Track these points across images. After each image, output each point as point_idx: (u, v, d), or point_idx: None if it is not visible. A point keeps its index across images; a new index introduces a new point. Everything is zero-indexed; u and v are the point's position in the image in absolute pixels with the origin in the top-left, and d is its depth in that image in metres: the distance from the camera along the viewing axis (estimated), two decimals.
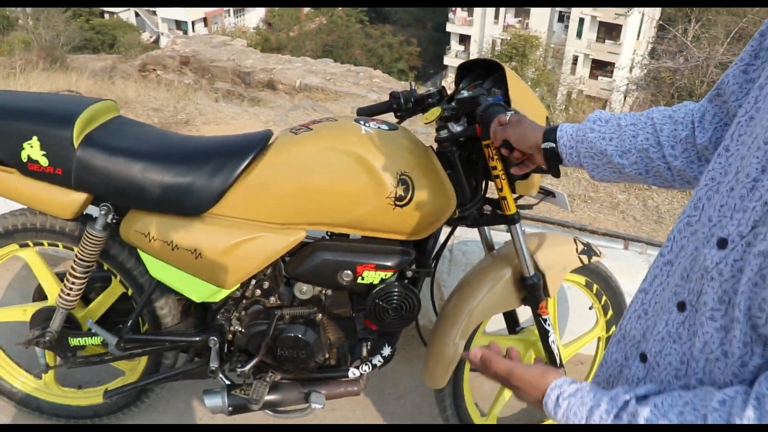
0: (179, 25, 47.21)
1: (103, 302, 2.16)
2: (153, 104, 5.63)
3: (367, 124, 1.94)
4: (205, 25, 47.45)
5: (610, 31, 36.55)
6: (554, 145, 1.41)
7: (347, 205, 1.85)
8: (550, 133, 1.43)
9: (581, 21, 38.62)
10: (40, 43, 26.74)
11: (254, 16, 52.29)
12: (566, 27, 39.39)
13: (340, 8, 52.11)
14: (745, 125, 0.93)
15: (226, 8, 48.72)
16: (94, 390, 2.39)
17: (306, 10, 55.52)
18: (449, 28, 44.21)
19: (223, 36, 15.49)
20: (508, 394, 2.31)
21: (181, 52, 12.82)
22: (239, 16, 51.13)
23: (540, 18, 39.30)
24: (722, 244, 0.88)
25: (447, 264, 2.75)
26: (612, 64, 35.20)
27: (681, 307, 0.95)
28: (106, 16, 48.62)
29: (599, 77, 35.51)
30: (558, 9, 39.97)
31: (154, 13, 49.53)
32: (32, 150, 1.83)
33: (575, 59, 36.11)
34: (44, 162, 1.84)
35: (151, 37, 47.73)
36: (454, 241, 2.75)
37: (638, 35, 35.28)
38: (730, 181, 0.90)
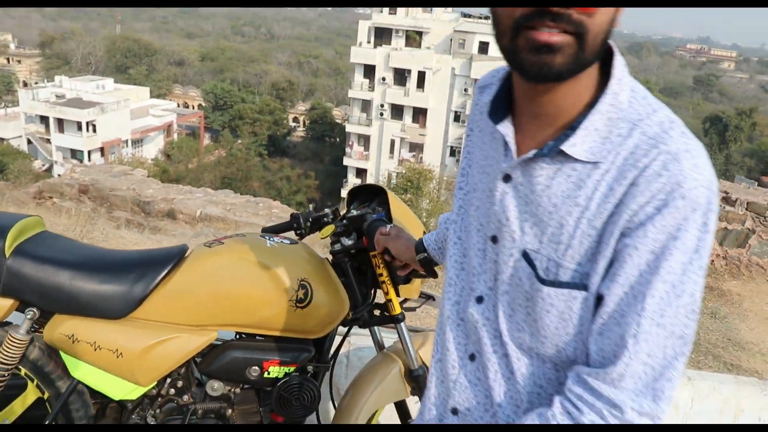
0: (74, 154, 46.83)
1: (17, 407, 2.28)
2: (57, 230, 5.74)
3: (271, 239, 2.25)
4: (102, 154, 47.27)
5: None
6: (426, 254, 1.77)
7: (254, 308, 2.12)
8: (420, 245, 1.79)
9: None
10: None
11: (153, 147, 52.64)
12: (457, 161, 41.83)
13: (239, 141, 53.29)
14: (465, 202, 1.28)
15: (123, 139, 48.85)
16: None
17: (205, 142, 56.40)
18: (346, 162, 45.92)
19: (123, 165, 15.67)
20: None
21: (80, 181, 12.86)
22: (137, 147, 51.31)
23: (434, 152, 41.62)
24: (479, 300, 1.21)
25: (345, 369, 3.01)
26: None
27: (472, 357, 1.24)
28: None
29: None
30: (450, 144, 42.60)
31: (48, 141, 49.07)
32: None
33: None
34: None
35: (43, 165, 46.97)
36: (351, 348, 3.02)
37: None
38: (467, 260, 1.24)
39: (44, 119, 50.18)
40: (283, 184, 42.65)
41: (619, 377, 1.03)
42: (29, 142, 50.80)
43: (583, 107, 1.08)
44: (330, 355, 2.35)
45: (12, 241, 2.08)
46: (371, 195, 2.37)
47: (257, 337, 2.24)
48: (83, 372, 2.13)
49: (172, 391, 2.23)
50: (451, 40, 43.74)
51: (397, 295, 2.24)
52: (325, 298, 2.17)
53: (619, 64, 1.08)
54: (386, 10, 45.95)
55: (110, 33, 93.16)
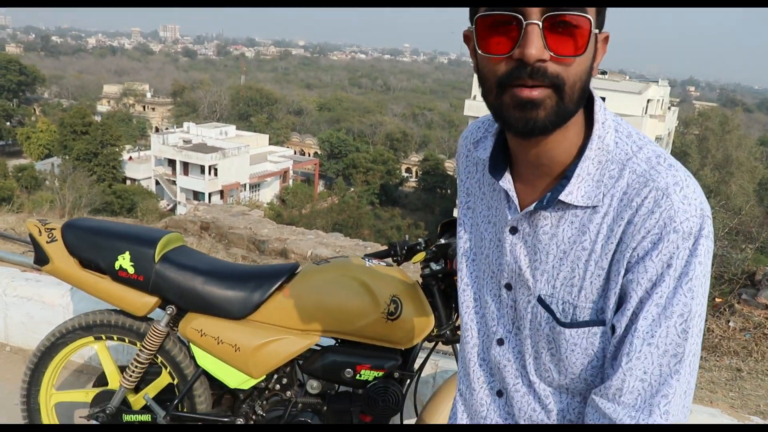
0: (196, 195, 49.43)
1: (152, 389, 2.72)
2: None
3: (370, 261, 2.62)
4: (221, 197, 49.61)
5: None
6: None
7: (352, 318, 2.48)
8: None
9: None
10: (63, 203, 28.18)
11: (269, 191, 54.82)
12: None
13: (352, 189, 54.71)
14: (474, 250, 1.35)
15: (242, 183, 51.15)
16: None
17: (319, 189, 58.21)
18: (456, 213, 46.06)
19: (242, 206, 16.65)
20: None
21: (202, 218, 13.83)
22: (254, 191, 53.59)
23: None
24: (500, 342, 1.29)
25: (431, 388, 3.30)
26: None
27: (499, 394, 1.32)
28: (129, 182, 51.22)
29: None
30: None
31: (174, 183, 52.11)
32: (124, 261, 2.51)
33: None
34: (131, 270, 2.51)
35: (168, 204, 49.82)
36: (438, 370, 3.31)
37: None
38: (483, 305, 1.32)
39: (171, 162, 53.51)
40: (392, 233, 43.32)
41: (617, 392, 1.10)
42: (157, 183, 54.23)
43: (575, 154, 1.15)
44: (414, 366, 2.67)
45: (160, 250, 2.55)
46: None
47: (351, 344, 2.60)
48: (207, 362, 2.55)
49: (278, 386, 2.62)
50: None
51: None
52: (413, 313, 2.50)
53: (600, 109, 1.16)
54: None
55: (235, 83, 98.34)
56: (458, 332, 2.62)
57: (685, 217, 1.06)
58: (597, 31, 1.06)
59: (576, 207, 1.14)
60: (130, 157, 57.02)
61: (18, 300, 3.87)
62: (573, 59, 1.03)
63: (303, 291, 2.54)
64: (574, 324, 1.16)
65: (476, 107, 44.85)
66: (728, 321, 5.69)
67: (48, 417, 2.84)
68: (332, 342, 2.66)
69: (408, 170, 68.21)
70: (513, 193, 1.19)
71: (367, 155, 62.92)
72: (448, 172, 60.29)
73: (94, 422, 2.70)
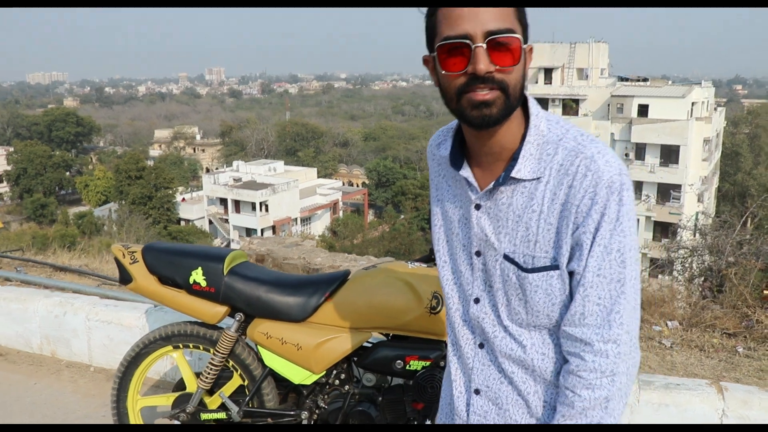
0: (249, 232, 50.38)
1: (226, 390, 3.05)
2: None
3: (412, 263, 2.91)
4: (273, 232, 50.43)
5: (665, 231, 37.41)
6: None
7: (399, 314, 2.77)
8: None
9: (636, 222, 40.04)
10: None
11: (320, 224, 55.52)
12: None
13: (402, 216, 55.08)
14: (445, 233, 1.67)
15: (293, 217, 51.97)
16: None
17: (369, 218, 58.75)
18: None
19: (295, 238, 17.14)
20: None
21: (257, 251, 14.33)
22: (305, 225, 54.35)
23: None
24: (477, 300, 1.60)
25: None
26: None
27: (481, 346, 1.62)
28: (182, 223, 52.59)
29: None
30: None
31: (227, 221, 53.24)
32: (197, 276, 2.86)
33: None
34: (204, 283, 2.85)
35: (222, 242, 50.86)
36: None
37: (694, 233, 36.18)
38: (458, 275, 1.64)
39: (223, 201, 54.78)
40: None
41: (581, 317, 1.44)
42: (210, 222, 55.51)
43: (519, 141, 1.49)
44: None
45: (227, 265, 2.90)
46: None
47: (400, 338, 2.89)
48: (273, 361, 2.87)
49: (337, 381, 2.92)
50: (608, 105, 43.33)
51: None
52: None
53: (533, 104, 1.50)
54: (541, 80, 46.52)
55: (280, 119, 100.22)
56: None
57: (609, 176, 1.41)
58: (525, 45, 1.41)
59: (524, 180, 1.48)
60: (183, 199, 58.56)
61: (99, 324, 4.27)
62: (512, 68, 1.38)
63: (354, 293, 2.85)
64: (535, 269, 1.49)
65: None
66: None
67: (135, 420, 3.18)
68: (383, 338, 2.95)
69: None
70: (472, 179, 1.54)
71: (415, 182, 63.30)
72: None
73: (176, 422, 3.03)
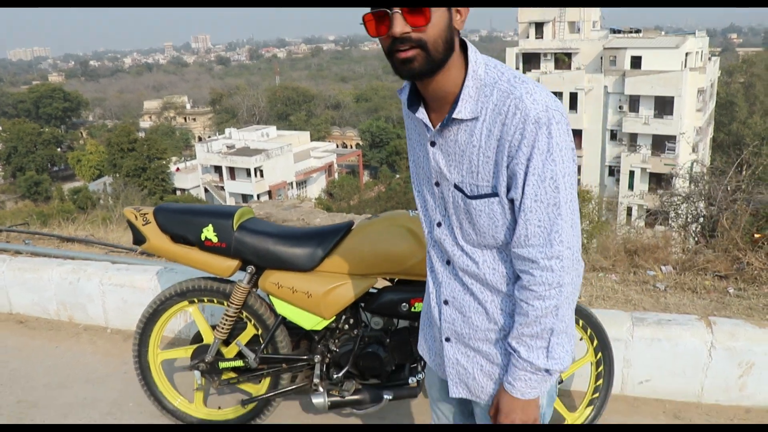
0: (245, 198, 50.50)
1: (241, 340, 3.21)
2: None
3: (413, 212, 3.05)
4: (270, 197, 50.47)
5: (660, 182, 37.57)
6: None
7: (401, 259, 2.92)
8: None
9: (632, 173, 40.32)
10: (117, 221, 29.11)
11: (316, 187, 55.62)
12: (617, 180, 41.08)
13: (397, 176, 55.14)
14: (415, 168, 1.93)
15: (288, 181, 52.04)
16: (230, 409, 3.39)
17: (365, 179, 58.82)
18: None
19: (293, 200, 17.27)
20: None
21: (257, 214, 14.50)
22: (301, 188, 54.45)
23: (591, 172, 40.97)
24: (439, 224, 1.86)
25: None
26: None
27: (447, 263, 1.88)
28: (178, 192, 52.64)
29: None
30: (607, 164, 41.81)
31: (222, 188, 53.31)
32: (208, 232, 3.00)
33: (629, 210, 37.05)
34: (215, 239, 3.00)
35: None
36: None
37: (689, 183, 36.38)
38: (425, 203, 1.90)
39: (218, 169, 54.75)
40: None
41: (525, 239, 1.66)
42: (206, 190, 55.56)
43: (460, 85, 1.67)
44: None
45: (236, 221, 3.04)
46: None
47: (404, 282, 3.05)
48: (285, 309, 3.03)
49: (346, 326, 3.09)
50: (601, 58, 43.10)
51: None
52: None
53: (472, 52, 1.68)
54: (532, 35, 46.22)
55: (270, 85, 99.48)
56: None
57: (535, 112, 1.59)
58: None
59: (465, 120, 1.68)
60: (177, 168, 58.52)
61: (113, 287, 4.43)
62: (425, 27, 1.57)
63: (359, 242, 2.99)
64: (478, 196, 1.72)
65: None
66: (767, 254, 5.95)
67: (157, 373, 3.36)
68: (388, 283, 3.11)
69: None
70: (426, 120, 1.75)
71: None
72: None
73: (196, 371, 3.21)
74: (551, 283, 1.65)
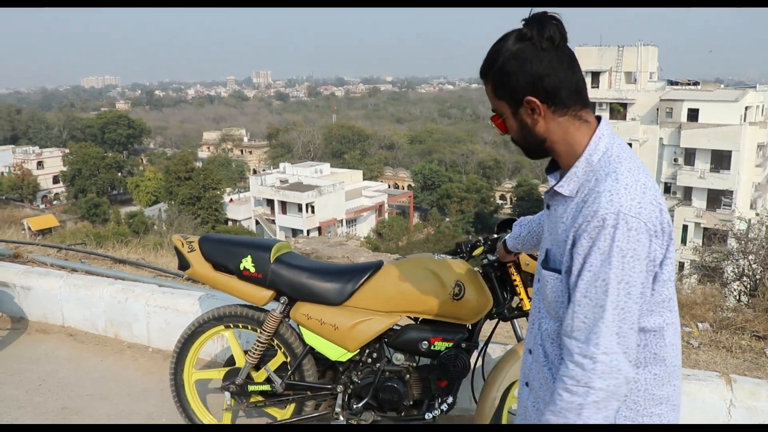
0: (294, 233, 51.13)
1: (271, 366, 3.41)
2: None
3: (439, 255, 3.24)
4: (319, 233, 51.02)
5: (713, 236, 36.68)
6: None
7: (425, 299, 3.10)
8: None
9: (685, 228, 39.60)
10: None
11: (365, 226, 55.98)
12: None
13: (447, 219, 55.21)
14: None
15: (339, 219, 52.57)
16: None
17: (414, 221, 59.01)
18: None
19: (339, 238, 17.57)
20: None
21: (303, 250, 14.75)
22: (351, 227, 54.89)
23: None
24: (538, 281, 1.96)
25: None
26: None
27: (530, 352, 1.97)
28: (230, 223, 53.63)
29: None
30: None
31: (273, 222, 54.13)
32: (247, 263, 3.23)
33: (681, 265, 36.33)
34: (253, 270, 3.23)
35: None
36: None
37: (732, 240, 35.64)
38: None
39: (270, 202, 55.72)
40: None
41: (570, 331, 1.68)
42: (257, 222, 56.52)
43: (576, 158, 1.78)
44: (478, 339, 3.25)
45: (274, 254, 3.27)
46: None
47: (426, 322, 3.22)
48: (313, 339, 3.23)
49: (369, 359, 3.27)
50: (657, 109, 42.72)
51: (528, 296, 3.12)
52: (474, 295, 3.10)
53: (596, 137, 1.77)
54: (588, 83, 46.14)
55: (327, 122, 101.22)
56: (514, 311, 3.20)
57: (605, 212, 1.63)
58: (510, 112, 1.82)
59: (564, 196, 1.80)
60: (231, 199, 59.75)
61: (158, 309, 4.70)
62: (505, 128, 1.87)
63: (386, 280, 3.19)
64: (547, 268, 1.84)
65: None
66: None
67: (190, 391, 3.58)
68: (412, 322, 3.28)
69: (502, 197, 68.21)
70: (551, 183, 1.88)
71: (460, 185, 63.43)
72: (542, 197, 59.71)
73: (227, 392, 3.42)
74: (579, 380, 1.64)
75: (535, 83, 1.74)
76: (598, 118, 1.82)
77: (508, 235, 2.81)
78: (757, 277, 8.51)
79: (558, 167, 1.87)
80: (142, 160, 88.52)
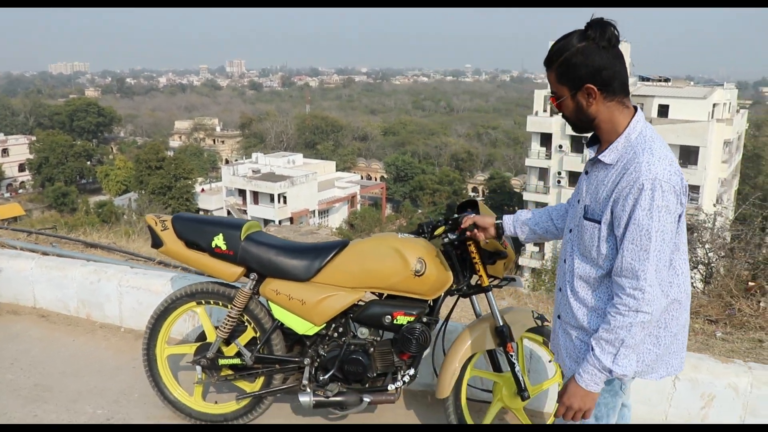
0: (267, 223, 50.96)
1: (241, 341, 3.54)
2: None
3: (402, 234, 3.39)
4: (291, 223, 50.94)
5: None
6: (500, 221, 2.88)
7: (388, 276, 3.25)
8: (499, 218, 2.89)
9: None
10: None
11: (338, 217, 56.02)
12: None
13: (419, 210, 55.41)
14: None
15: (311, 209, 52.57)
16: (226, 404, 3.70)
17: (387, 212, 59.16)
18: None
19: (311, 227, 17.64)
20: (496, 408, 3.49)
21: None
22: (323, 217, 54.90)
23: None
24: (570, 230, 2.46)
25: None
26: None
27: (564, 261, 2.47)
28: (201, 213, 53.28)
29: None
30: None
31: (245, 212, 53.92)
32: (218, 240, 3.36)
33: None
34: (224, 247, 3.35)
35: None
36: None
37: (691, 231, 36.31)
38: (569, 212, 2.53)
39: (242, 192, 55.49)
40: None
41: (620, 270, 2.19)
42: (228, 212, 56.16)
43: (617, 135, 2.26)
44: (439, 314, 3.41)
45: (244, 232, 3.40)
46: (473, 207, 3.44)
47: (389, 297, 3.37)
48: (281, 314, 3.37)
49: (335, 333, 3.41)
50: None
51: (487, 274, 3.28)
52: (435, 271, 3.25)
53: (635, 120, 2.25)
54: None
55: (300, 112, 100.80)
56: (473, 288, 3.36)
57: (645, 179, 2.12)
58: (569, 95, 2.27)
59: (605, 164, 2.28)
60: (203, 189, 59.38)
61: (130, 289, 4.80)
62: (561, 107, 2.34)
63: (351, 258, 3.33)
64: (589, 219, 2.32)
65: (539, 123, 45.16)
66: (759, 302, 6.18)
67: (162, 366, 3.70)
68: (375, 297, 3.43)
69: (474, 189, 68.63)
70: (591, 155, 2.38)
71: (433, 177, 63.69)
72: (515, 190, 60.37)
73: (198, 366, 3.54)
74: (631, 306, 2.16)
75: (594, 74, 2.20)
76: (635, 107, 2.29)
77: (509, 219, 2.96)
78: (712, 265, 8.82)
79: (597, 141, 2.35)
80: (112, 148, 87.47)
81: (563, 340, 2.50)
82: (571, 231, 2.43)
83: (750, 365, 3.88)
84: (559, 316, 2.53)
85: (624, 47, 45.09)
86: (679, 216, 2.21)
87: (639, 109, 2.30)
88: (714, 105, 41.33)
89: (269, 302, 3.42)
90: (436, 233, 3.37)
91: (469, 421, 3.49)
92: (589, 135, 2.44)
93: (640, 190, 2.10)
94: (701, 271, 8.87)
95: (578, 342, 2.41)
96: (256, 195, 53.88)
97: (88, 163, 75.18)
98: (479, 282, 3.32)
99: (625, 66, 2.25)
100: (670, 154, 2.19)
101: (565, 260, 2.47)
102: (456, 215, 3.30)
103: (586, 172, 2.38)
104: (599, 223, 2.25)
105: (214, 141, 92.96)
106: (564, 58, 2.22)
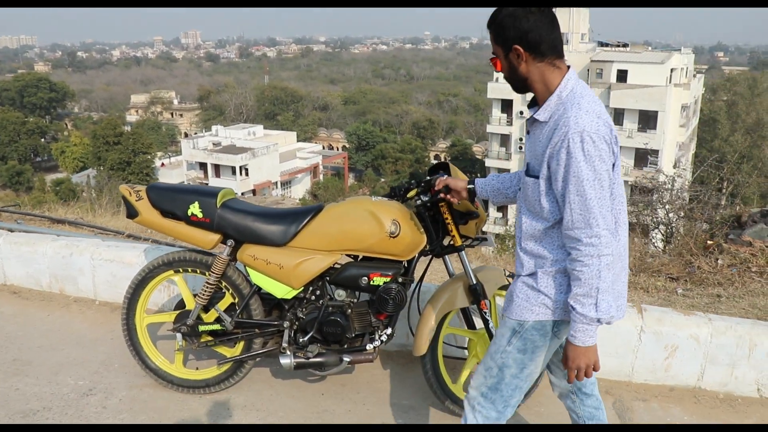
0: None
1: (220, 307, 3.60)
2: None
3: (376, 197, 3.47)
4: (254, 196, 50.65)
5: (641, 194, 38.12)
6: (473, 186, 2.95)
7: (363, 238, 3.33)
8: (471, 181, 2.97)
9: None
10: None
11: (300, 187, 55.86)
12: None
13: (382, 179, 55.51)
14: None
15: (273, 181, 52.31)
16: (207, 370, 3.77)
17: (349, 181, 59.13)
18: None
19: (276, 198, 17.63)
20: (471, 365, 3.61)
21: None
22: (286, 188, 54.68)
23: None
24: (519, 189, 2.59)
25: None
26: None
27: (518, 218, 2.55)
28: None
29: None
30: None
31: (207, 185, 53.29)
32: (194, 208, 3.40)
33: None
34: (200, 215, 3.40)
35: None
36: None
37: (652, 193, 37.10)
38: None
39: (203, 165, 54.95)
40: None
41: (571, 224, 2.27)
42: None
43: (550, 94, 2.35)
44: (413, 274, 3.51)
45: (220, 199, 3.44)
46: (445, 169, 3.53)
47: (365, 259, 3.45)
48: (259, 279, 3.43)
49: (313, 296, 3.49)
50: (588, 70, 43.72)
51: (459, 234, 3.38)
52: (409, 233, 3.34)
53: (566, 79, 2.34)
54: None
55: (259, 83, 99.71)
56: (447, 248, 3.46)
57: (574, 131, 2.22)
58: (503, 55, 2.40)
59: (540, 122, 2.39)
60: (162, 164, 58.64)
61: (103, 262, 4.81)
62: (499, 66, 2.47)
63: (326, 221, 3.40)
64: (529, 175, 2.44)
65: (499, 89, 45.32)
66: (717, 259, 6.41)
67: (142, 335, 3.75)
68: (351, 260, 3.52)
69: (437, 157, 68.81)
70: (529, 114, 2.49)
71: (395, 145, 63.75)
72: (477, 156, 60.73)
73: (178, 334, 3.60)
74: (593, 254, 2.23)
75: (521, 37, 2.32)
76: (568, 67, 2.38)
77: (481, 183, 3.02)
78: (673, 225, 9.09)
79: (536, 103, 2.43)
80: (66, 125, 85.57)
81: (515, 295, 2.55)
82: (520, 189, 2.56)
83: (710, 317, 4.06)
84: (513, 274, 2.69)
85: (582, 13, 45.29)
86: (613, 165, 2.30)
87: (571, 69, 2.39)
88: (672, 70, 41.94)
89: (247, 268, 3.48)
90: (408, 196, 3.46)
91: (446, 377, 3.62)
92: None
93: (569, 142, 2.20)
94: (662, 231, 9.15)
95: (519, 284, 2.52)
96: (217, 168, 53.42)
97: (42, 140, 73.39)
98: (452, 242, 3.42)
99: (557, 29, 2.36)
100: (598, 108, 2.28)
101: (518, 219, 2.60)
102: (428, 177, 3.39)
103: (528, 132, 2.50)
104: (538, 178, 2.36)
105: (172, 114, 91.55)
106: (497, 21, 2.37)
